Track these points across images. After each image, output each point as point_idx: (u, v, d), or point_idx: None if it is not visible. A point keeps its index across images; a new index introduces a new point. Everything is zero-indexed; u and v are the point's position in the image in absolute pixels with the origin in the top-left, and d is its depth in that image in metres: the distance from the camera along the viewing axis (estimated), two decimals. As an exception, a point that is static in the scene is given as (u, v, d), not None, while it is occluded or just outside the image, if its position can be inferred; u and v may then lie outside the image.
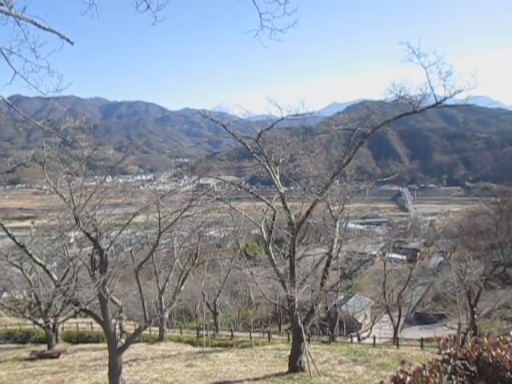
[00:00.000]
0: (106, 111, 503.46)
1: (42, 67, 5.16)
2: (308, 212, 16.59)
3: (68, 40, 5.32)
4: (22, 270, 25.76)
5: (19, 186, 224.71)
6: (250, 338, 27.94)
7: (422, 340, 22.76)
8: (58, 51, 5.30)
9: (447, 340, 4.19)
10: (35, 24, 5.02)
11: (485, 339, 3.94)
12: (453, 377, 3.73)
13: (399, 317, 33.32)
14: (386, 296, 35.48)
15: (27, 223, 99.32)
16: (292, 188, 21.49)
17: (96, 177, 16.81)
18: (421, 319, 42.36)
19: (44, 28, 5.10)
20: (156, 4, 5.23)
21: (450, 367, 3.80)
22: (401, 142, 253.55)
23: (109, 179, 20.26)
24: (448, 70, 11.63)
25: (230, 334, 29.95)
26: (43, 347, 26.63)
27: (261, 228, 17.37)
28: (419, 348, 22.30)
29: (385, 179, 19.48)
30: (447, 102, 12.82)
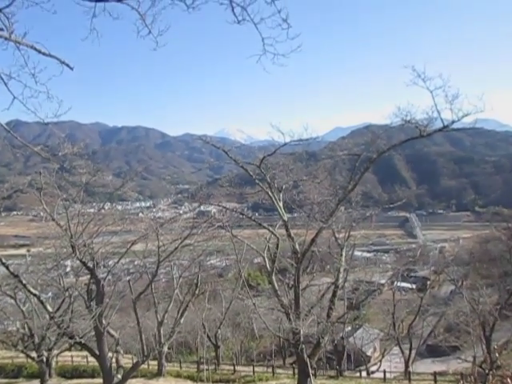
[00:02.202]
0: (106, 136, 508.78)
1: (42, 92, 5.25)
2: (313, 240, 16.50)
3: (68, 65, 5.43)
4: (15, 300, 25.45)
5: (15, 212, 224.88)
6: (254, 372, 27.38)
7: (435, 374, 22.23)
8: (58, 76, 5.39)
9: (463, 375, 4.06)
10: (35, 49, 5.14)
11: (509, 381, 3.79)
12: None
13: (410, 349, 32.68)
14: (396, 327, 34.86)
15: (22, 251, 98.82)
16: (296, 215, 21.49)
17: (94, 204, 16.94)
18: (433, 351, 41.49)
19: (44, 53, 5.22)
20: (157, 29, 5.35)
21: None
22: (407, 167, 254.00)
23: (107, 206, 20.30)
24: (454, 94, 11.73)
25: (233, 368, 29.32)
26: (36, 382, 26.08)
27: (264, 257, 17.27)
28: (432, 383, 21.76)
29: (392, 205, 19.61)
30: (454, 125, 12.85)
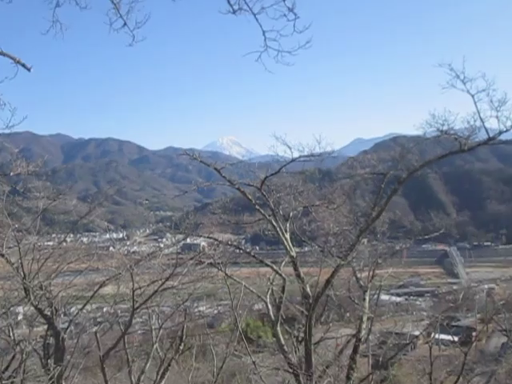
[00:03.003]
0: (70, 151, 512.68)
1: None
2: (328, 281, 16.36)
3: (24, 65, 5.47)
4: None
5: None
6: None
7: None
8: (12, 79, 5.41)
9: None
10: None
11: None
12: None
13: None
14: (434, 392, 34.30)
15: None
16: (307, 249, 21.59)
17: (54, 235, 16.88)
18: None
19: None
20: (134, 21, 5.44)
21: None
22: (445, 188, 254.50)
23: (70, 238, 20.27)
24: (501, 98, 11.75)
25: None
26: None
27: (266, 302, 17.12)
28: None
29: (427, 236, 19.41)
30: (502, 136, 12.86)
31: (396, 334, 38.83)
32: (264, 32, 5.74)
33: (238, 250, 19.87)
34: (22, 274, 13.45)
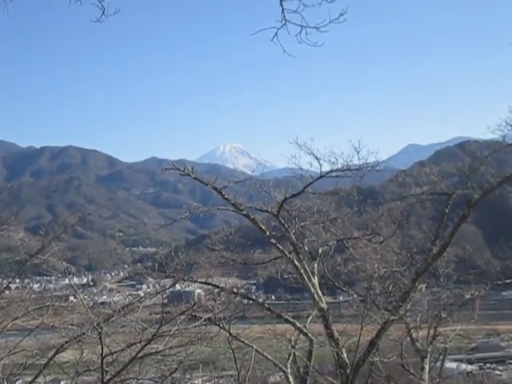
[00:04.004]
0: (15, 164, 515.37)
1: None
2: (373, 343, 16.21)
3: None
4: None
5: None
6: None
7: None
8: None
9: None
10: None
11: None
12: None
13: None
14: None
15: None
16: (342, 299, 21.78)
17: (-7, 281, 16.77)
18: None
19: None
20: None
21: None
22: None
23: (15, 285, 20.14)
24: None
25: None
26: None
27: (286, 373, 16.99)
28: None
29: (508, 281, 19.31)
30: None
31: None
32: (281, 2, 5.76)
33: (246, 301, 19.84)
34: None
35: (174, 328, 16.23)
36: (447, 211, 15.26)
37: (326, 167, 15.65)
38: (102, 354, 14.47)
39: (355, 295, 19.02)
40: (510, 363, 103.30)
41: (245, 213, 16.42)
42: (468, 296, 20.78)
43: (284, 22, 5.86)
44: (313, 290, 16.82)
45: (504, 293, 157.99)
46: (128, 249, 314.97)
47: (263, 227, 16.66)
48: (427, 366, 18.18)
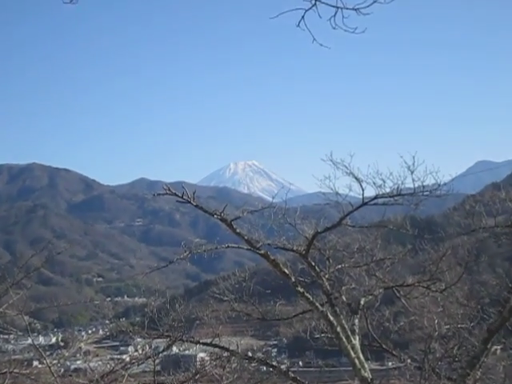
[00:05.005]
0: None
1: None
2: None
3: None
4: None
5: None
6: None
7: None
8: None
9: None
10: None
11: None
12: None
13: None
14: None
15: None
16: (390, 365, 20.81)
17: None
18: None
19: None
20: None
21: None
22: None
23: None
24: None
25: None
26: None
27: None
28: None
29: None
30: None
31: None
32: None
33: (265, 368, 18.40)
34: None
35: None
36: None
37: (370, 192, 14.56)
38: None
39: (409, 360, 17.57)
40: None
41: (262, 252, 15.22)
42: None
43: (313, 1, 5.83)
44: (353, 353, 15.32)
45: None
46: (109, 299, 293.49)
47: (287, 271, 15.48)
48: None
